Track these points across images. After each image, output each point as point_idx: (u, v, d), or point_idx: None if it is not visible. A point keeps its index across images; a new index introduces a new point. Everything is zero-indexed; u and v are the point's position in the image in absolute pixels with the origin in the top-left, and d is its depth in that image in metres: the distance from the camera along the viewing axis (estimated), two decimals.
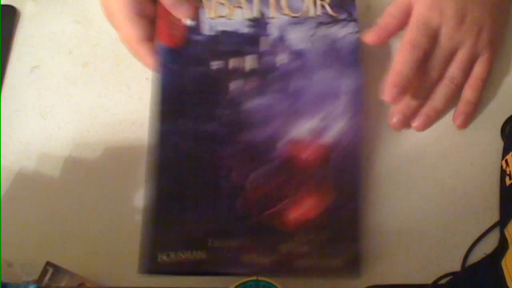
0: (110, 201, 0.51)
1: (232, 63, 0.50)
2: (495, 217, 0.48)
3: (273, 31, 0.51)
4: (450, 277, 0.46)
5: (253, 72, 0.50)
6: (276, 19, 0.51)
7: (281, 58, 0.50)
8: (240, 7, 0.51)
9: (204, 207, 0.47)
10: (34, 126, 0.54)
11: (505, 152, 0.49)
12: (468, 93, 0.51)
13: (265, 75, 0.50)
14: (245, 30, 0.51)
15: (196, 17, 0.51)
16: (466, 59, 0.50)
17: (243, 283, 0.41)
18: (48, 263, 0.46)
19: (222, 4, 0.51)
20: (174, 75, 0.50)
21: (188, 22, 0.50)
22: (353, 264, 0.46)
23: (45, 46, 0.57)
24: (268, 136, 0.48)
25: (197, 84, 0.50)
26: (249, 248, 0.45)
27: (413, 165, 0.51)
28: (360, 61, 0.50)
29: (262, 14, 0.51)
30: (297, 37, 0.51)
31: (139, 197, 0.50)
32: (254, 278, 0.41)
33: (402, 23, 0.50)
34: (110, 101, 0.55)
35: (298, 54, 0.50)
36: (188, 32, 0.51)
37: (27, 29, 0.58)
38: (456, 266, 0.46)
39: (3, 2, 0.59)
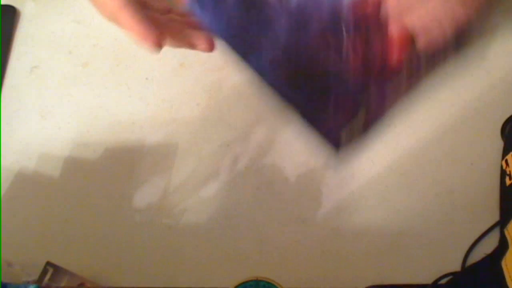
0: (110, 201, 0.51)
1: None
2: (495, 217, 0.48)
3: None
4: (450, 277, 0.46)
5: None
6: None
7: None
8: None
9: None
10: (34, 126, 0.54)
11: (505, 152, 0.49)
12: None
13: None
14: None
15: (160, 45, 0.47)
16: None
17: (243, 283, 0.41)
18: (48, 263, 0.46)
19: None
20: (219, 16, 0.48)
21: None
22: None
23: (45, 46, 0.57)
24: (329, 15, 0.48)
25: (241, 10, 0.48)
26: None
27: (413, 165, 0.51)
28: None
29: None
30: None
31: (139, 197, 0.51)
32: (254, 278, 0.41)
33: None
34: (110, 101, 0.55)
35: None
36: None
37: (27, 29, 0.58)
38: (456, 266, 0.46)
39: (3, 2, 0.59)
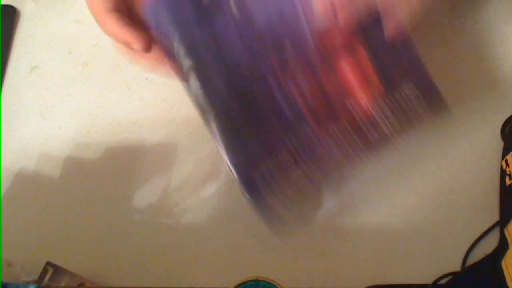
0: (110, 201, 0.51)
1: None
2: (495, 217, 0.48)
3: None
4: (450, 277, 0.46)
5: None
6: None
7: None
8: None
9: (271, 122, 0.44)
10: (34, 126, 0.54)
11: (505, 152, 0.49)
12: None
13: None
14: None
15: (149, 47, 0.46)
16: None
17: (243, 283, 0.41)
18: (48, 263, 0.46)
19: None
20: (183, 32, 0.45)
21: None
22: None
23: (45, 46, 0.57)
24: (293, 39, 0.44)
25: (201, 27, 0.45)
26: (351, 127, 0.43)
27: (413, 165, 0.51)
28: None
29: None
30: None
31: (139, 197, 0.51)
32: (254, 278, 0.41)
33: None
34: (110, 101, 0.55)
35: None
36: None
37: (27, 29, 0.58)
38: (456, 266, 0.46)
39: (3, 2, 0.59)
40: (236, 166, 0.44)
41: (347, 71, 0.44)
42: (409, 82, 0.43)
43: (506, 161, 0.48)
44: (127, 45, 0.46)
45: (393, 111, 0.44)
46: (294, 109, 0.43)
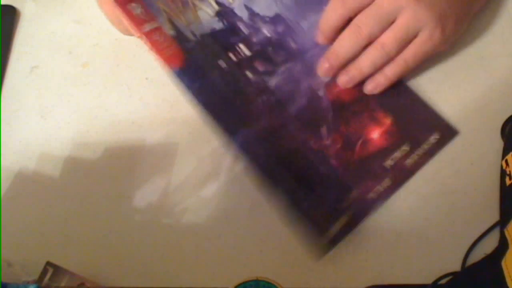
0: (110, 201, 0.51)
1: (233, 57, 0.52)
2: (495, 217, 0.48)
3: (241, 12, 0.53)
4: (450, 277, 0.46)
5: (255, 56, 0.52)
6: (235, 1, 0.54)
7: (266, 30, 0.53)
8: (200, 9, 0.53)
9: (316, 188, 0.49)
10: (34, 126, 0.54)
11: (505, 152, 0.49)
12: (388, 67, 0.50)
13: (265, 51, 0.52)
14: (219, 25, 0.53)
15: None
16: (404, 30, 0.48)
17: (243, 283, 0.41)
18: (48, 263, 0.46)
19: (182, 11, 0.53)
20: (203, 92, 0.51)
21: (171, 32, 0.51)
22: (448, 129, 0.50)
23: (45, 46, 0.57)
24: (308, 95, 0.51)
25: (224, 86, 0.51)
26: (368, 185, 0.49)
27: None
28: None
29: (222, 4, 0.54)
30: (264, 5, 0.53)
31: (139, 197, 0.51)
32: (254, 278, 0.41)
33: None
34: (110, 101, 0.55)
35: (276, 19, 0.53)
36: (179, 44, 0.52)
37: (27, 29, 0.58)
38: (456, 266, 0.46)
39: (3, 2, 0.59)
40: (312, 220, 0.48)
41: (362, 119, 0.50)
42: (422, 128, 0.50)
43: (506, 161, 0.48)
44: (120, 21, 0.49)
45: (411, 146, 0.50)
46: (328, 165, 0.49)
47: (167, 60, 0.51)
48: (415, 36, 0.48)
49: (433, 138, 0.50)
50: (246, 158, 0.49)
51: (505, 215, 0.46)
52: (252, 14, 0.53)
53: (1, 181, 0.52)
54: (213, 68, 0.52)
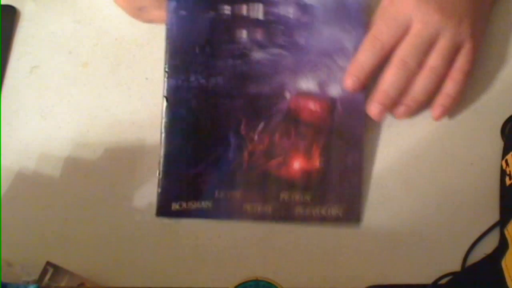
0: (110, 201, 0.51)
1: (245, 10, 0.51)
2: (495, 217, 0.48)
3: None
4: (450, 277, 0.46)
5: (263, 22, 0.51)
6: None
7: (292, 11, 0.51)
8: None
9: (212, 160, 0.49)
10: (34, 126, 0.54)
11: (505, 152, 0.49)
12: (449, 85, 0.50)
13: (275, 26, 0.51)
14: None
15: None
16: (447, 49, 0.48)
17: (243, 283, 0.41)
18: (48, 263, 0.46)
19: None
20: (183, 23, 0.51)
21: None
22: (353, 211, 0.48)
23: (45, 46, 0.57)
24: (275, 88, 0.50)
25: (207, 32, 0.51)
26: (252, 197, 0.48)
27: (413, 165, 0.51)
28: (365, 20, 0.51)
29: None
30: None
31: (139, 197, 0.51)
32: (254, 278, 0.41)
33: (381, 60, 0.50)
34: (110, 101, 0.55)
35: (308, 9, 0.51)
36: None
37: (27, 29, 0.58)
38: (456, 266, 0.46)
39: (3, 2, 0.59)
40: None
41: (298, 142, 0.49)
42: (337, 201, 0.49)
43: (506, 161, 0.48)
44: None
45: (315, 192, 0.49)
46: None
47: None
48: (459, 49, 0.49)
49: (335, 209, 0.48)
50: (173, 101, 0.50)
51: (505, 215, 0.46)
52: None
53: (1, 181, 0.52)
54: (212, 9, 0.51)
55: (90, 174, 0.52)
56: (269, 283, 0.41)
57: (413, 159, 0.51)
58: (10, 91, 0.56)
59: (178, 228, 0.50)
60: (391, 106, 0.50)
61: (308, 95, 0.50)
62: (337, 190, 0.48)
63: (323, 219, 0.48)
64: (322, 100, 0.50)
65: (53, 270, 0.46)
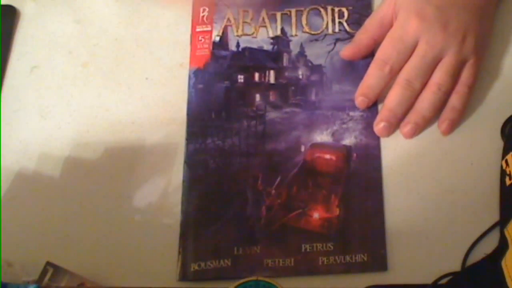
0: (110, 201, 0.51)
1: (257, 77, 0.54)
2: (495, 217, 0.48)
3: (294, 47, 0.55)
4: (450, 277, 0.46)
5: (275, 86, 0.53)
6: (297, 37, 0.55)
7: (301, 73, 0.54)
8: (264, 26, 0.56)
9: (230, 218, 0.49)
10: (34, 126, 0.54)
11: (505, 152, 0.49)
12: (454, 99, 0.50)
13: (286, 88, 0.53)
14: (268, 47, 0.55)
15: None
16: (452, 65, 0.49)
17: (243, 283, 0.41)
18: (48, 263, 0.46)
19: (248, 23, 0.56)
20: (200, 93, 0.53)
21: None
22: (380, 258, 0.47)
23: (45, 46, 0.57)
24: (291, 143, 0.51)
25: (222, 99, 0.53)
26: (273, 251, 0.47)
27: (413, 165, 0.51)
28: None
29: (285, 33, 0.55)
30: (316, 53, 0.54)
31: (139, 197, 0.51)
32: (254, 278, 0.41)
33: (377, 37, 0.52)
34: (110, 101, 0.55)
35: (317, 69, 0.54)
36: (214, 50, 0.55)
37: (27, 29, 0.58)
38: (456, 266, 0.46)
39: (3, 2, 0.59)
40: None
41: (317, 193, 0.49)
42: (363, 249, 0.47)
43: (506, 161, 0.48)
44: None
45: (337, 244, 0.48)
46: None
47: (193, 58, 0.54)
48: (463, 64, 0.50)
49: (361, 257, 0.47)
50: (191, 163, 0.51)
51: (505, 215, 0.46)
52: (301, 53, 0.54)
53: (1, 181, 0.52)
54: (227, 79, 0.54)
55: (90, 174, 0.52)
56: (269, 283, 0.41)
57: (413, 159, 0.51)
58: (10, 91, 0.56)
59: (178, 228, 0.50)
60: (397, 123, 0.51)
61: (322, 146, 0.51)
62: (360, 236, 0.48)
63: (348, 269, 0.47)
64: (337, 149, 0.51)
65: (53, 270, 0.46)
